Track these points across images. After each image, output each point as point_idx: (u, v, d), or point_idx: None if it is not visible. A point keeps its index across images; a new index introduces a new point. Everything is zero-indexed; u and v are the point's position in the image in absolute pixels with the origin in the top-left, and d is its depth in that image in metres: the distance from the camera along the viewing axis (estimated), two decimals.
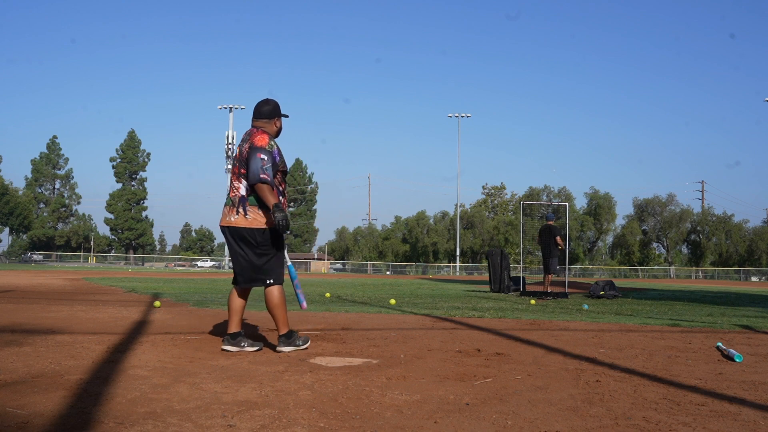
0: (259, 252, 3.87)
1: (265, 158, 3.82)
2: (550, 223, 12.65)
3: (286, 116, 4.15)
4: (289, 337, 3.97)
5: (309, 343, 4.10)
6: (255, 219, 3.86)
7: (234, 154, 4.11)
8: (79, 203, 76.12)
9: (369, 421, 2.32)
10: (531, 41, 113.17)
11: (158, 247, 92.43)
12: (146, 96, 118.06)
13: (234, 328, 3.97)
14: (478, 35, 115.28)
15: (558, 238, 12.36)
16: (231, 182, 4.00)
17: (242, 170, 3.91)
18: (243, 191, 3.89)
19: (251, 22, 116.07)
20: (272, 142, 3.93)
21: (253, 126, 4.04)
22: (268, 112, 4.04)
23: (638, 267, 60.93)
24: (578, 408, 2.57)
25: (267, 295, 3.92)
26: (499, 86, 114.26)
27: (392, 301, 8.96)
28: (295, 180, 78.30)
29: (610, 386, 3.02)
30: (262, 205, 3.86)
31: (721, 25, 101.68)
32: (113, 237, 74.66)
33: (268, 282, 3.90)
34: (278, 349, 3.94)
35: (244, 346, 3.90)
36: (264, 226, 3.86)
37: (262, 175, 3.77)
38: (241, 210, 3.87)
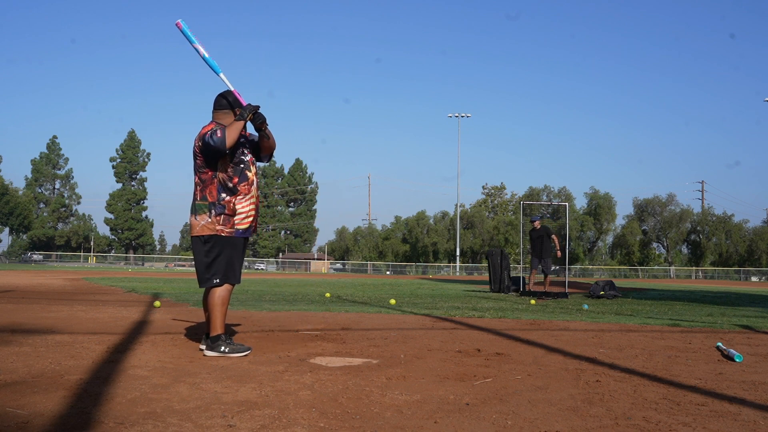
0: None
1: (211, 131, 3.70)
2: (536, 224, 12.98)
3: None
4: (214, 341, 3.73)
5: (243, 353, 3.72)
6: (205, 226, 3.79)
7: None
8: (79, 203, 76.23)
9: (369, 421, 2.32)
10: (531, 41, 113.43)
11: (158, 247, 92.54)
12: (146, 96, 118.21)
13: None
14: (478, 35, 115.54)
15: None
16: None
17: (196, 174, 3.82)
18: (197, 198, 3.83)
19: (251, 22, 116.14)
20: (218, 127, 3.77)
21: (212, 119, 3.92)
22: (227, 104, 3.89)
23: (638, 267, 60.93)
24: (578, 408, 2.57)
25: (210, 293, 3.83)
26: (499, 86, 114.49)
27: (392, 301, 8.96)
28: (295, 180, 78.28)
29: (610, 386, 3.02)
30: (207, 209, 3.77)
31: (721, 25, 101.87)
32: (113, 237, 74.68)
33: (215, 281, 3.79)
34: (204, 352, 3.76)
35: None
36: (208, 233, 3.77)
37: (214, 138, 3.65)
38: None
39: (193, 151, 3.85)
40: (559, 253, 12.61)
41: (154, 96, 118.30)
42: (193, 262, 3.90)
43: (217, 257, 3.78)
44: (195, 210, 3.82)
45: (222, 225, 3.78)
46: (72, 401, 2.51)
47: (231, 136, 3.69)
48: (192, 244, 3.90)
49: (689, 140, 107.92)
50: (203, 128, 3.83)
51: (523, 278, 13.51)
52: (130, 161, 73.24)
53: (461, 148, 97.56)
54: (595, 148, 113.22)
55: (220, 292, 3.78)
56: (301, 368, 3.35)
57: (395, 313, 7.06)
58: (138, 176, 74.28)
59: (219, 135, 3.67)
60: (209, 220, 3.78)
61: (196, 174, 3.86)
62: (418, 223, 67.68)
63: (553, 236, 12.84)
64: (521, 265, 17.11)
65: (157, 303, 7.47)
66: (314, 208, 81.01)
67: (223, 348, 3.71)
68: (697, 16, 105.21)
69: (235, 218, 3.80)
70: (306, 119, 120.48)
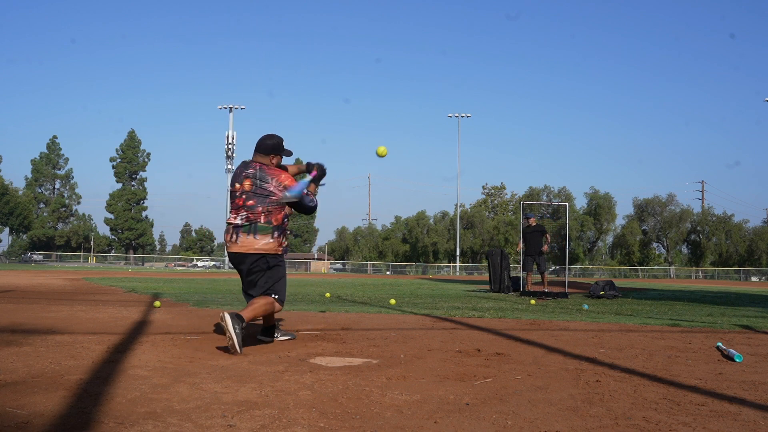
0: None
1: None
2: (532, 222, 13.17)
3: (289, 153, 4.48)
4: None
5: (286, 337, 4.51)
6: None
7: (240, 185, 4.30)
8: (79, 203, 76.15)
9: (369, 421, 2.32)
10: (531, 41, 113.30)
11: (158, 247, 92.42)
12: (146, 96, 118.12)
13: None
14: (478, 35, 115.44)
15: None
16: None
17: (249, 202, 4.23)
18: (239, 220, 4.25)
19: (251, 22, 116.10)
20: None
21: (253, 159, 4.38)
22: (268, 148, 4.36)
23: (638, 267, 60.92)
24: (578, 408, 2.57)
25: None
26: (499, 86, 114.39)
27: (392, 301, 8.96)
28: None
29: (610, 386, 3.02)
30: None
31: (721, 25, 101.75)
32: (113, 237, 74.61)
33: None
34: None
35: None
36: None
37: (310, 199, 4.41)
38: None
39: (266, 189, 4.22)
40: (546, 248, 12.92)
41: (154, 96, 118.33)
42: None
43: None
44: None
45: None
46: (72, 401, 2.51)
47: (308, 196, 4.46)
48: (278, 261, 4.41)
49: (689, 140, 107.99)
50: (282, 173, 4.33)
51: (523, 278, 13.52)
52: (130, 161, 73.19)
53: (461, 148, 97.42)
54: (595, 148, 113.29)
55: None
56: (301, 368, 3.35)
57: (395, 313, 7.06)
58: (138, 176, 74.22)
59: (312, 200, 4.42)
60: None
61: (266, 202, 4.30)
62: (418, 223, 67.66)
63: (547, 235, 13.02)
64: (521, 265, 17.12)
65: (157, 303, 7.47)
66: None
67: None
68: (697, 16, 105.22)
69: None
70: (306, 119, 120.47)
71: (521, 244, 13.19)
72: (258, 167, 4.29)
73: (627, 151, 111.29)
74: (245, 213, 4.22)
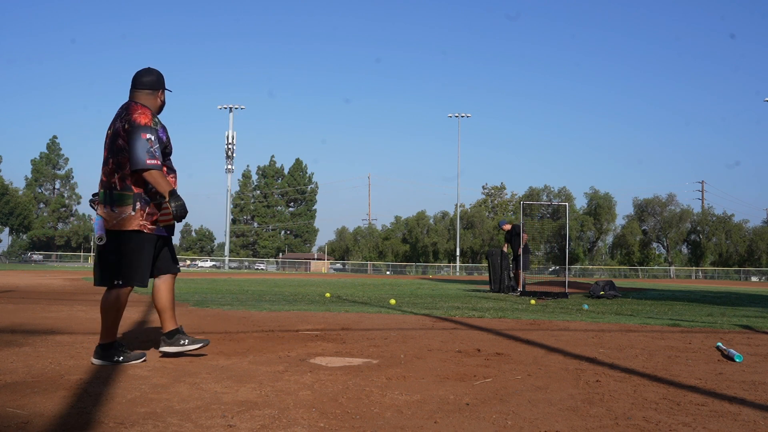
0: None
1: (152, 138, 3.38)
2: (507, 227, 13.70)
3: (170, 90, 3.75)
4: (171, 336, 3.55)
5: (198, 345, 3.55)
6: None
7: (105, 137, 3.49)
8: (79, 203, 76.13)
9: (369, 421, 2.32)
10: (531, 41, 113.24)
11: None
12: None
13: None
14: (478, 35, 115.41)
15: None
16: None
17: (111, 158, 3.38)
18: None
19: (251, 22, 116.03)
20: (156, 119, 3.51)
21: (131, 99, 3.54)
22: (151, 83, 3.55)
23: (638, 267, 60.92)
24: (578, 408, 2.57)
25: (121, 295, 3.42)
26: (499, 86, 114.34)
27: (392, 301, 8.96)
28: (295, 180, 78.28)
29: (610, 386, 3.02)
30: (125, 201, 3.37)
31: (721, 25, 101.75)
32: None
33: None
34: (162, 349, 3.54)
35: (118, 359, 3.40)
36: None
37: (149, 161, 3.32)
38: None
39: (116, 131, 3.42)
40: (519, 250, 13.09)
41: None
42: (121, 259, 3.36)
43: (131, 255, 3.39)
44: (114, 200, 3.38)
45: (145, 220, 3.41)
46: (72, 401, 2.51)
47: (159, 183, 3.36)
48: (109, 238, 3.40)
49: (689, 140, 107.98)
50: (135, 111, 3.44)
51: (523, 278, 13.56)
52: None
53: (461, 148, 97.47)
54: (595, 148, 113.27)
55: (121, 295, 3.41)
56: (301, 368, 3.35)
57: (395, 313, 7.06)
58: None
59: (157, 161, 3.39)
60: (132, 213, 3.37)
61: (114, 156, 3.42)
62: (418, 223, 67.68)
63: (524, 235, 13.15)
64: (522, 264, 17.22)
65: None
66: (314, 208, 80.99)
67: (183, 342, 3.50)
68: (697, 16, 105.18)
69: (159, 213, 3.48)
70: (306, 119, 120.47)
71: (507, 247, 13.58)
72: (128, 105, 3.55)
73: (627, 151, 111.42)
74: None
